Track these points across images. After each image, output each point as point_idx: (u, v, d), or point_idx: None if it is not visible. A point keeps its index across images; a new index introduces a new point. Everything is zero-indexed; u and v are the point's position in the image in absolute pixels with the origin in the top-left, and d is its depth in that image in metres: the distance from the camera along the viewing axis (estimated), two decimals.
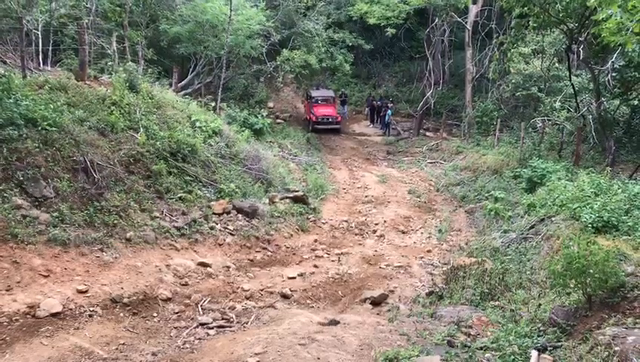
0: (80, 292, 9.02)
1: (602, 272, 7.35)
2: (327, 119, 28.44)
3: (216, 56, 22.15)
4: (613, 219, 10.58)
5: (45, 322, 8.11)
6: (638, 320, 6.64)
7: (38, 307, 8.33)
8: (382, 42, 35.53)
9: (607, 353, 6.03)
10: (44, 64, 16.20)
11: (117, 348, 7.79)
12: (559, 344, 7.22)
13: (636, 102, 18.79)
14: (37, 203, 10.13)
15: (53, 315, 8.29)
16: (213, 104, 20.22)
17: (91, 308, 8.73)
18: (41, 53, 16.44)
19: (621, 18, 8.98)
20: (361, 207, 17.68)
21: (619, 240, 9.77)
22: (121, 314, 8.87)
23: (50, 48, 17.12)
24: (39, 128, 10.89)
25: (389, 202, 18.18)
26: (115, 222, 10.94)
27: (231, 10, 20.45)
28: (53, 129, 11.05)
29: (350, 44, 28.98)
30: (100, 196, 11.11)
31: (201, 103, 18.37)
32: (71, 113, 11.96)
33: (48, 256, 9.49)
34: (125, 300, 9.17)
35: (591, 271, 7.34)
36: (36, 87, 12.41)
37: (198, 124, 15.15)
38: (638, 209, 10.94)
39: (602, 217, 10.65)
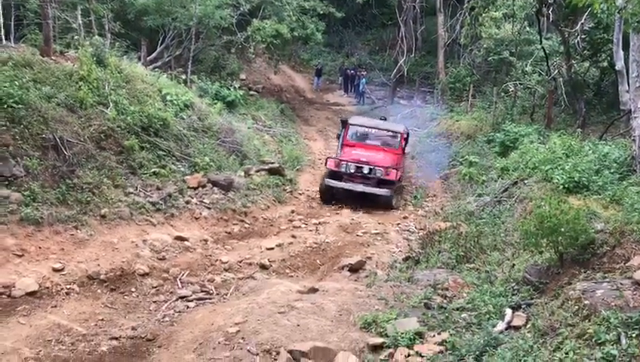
0: (56, 270, 8.91)
1: (573, 230, 7.50)
2: (370, 171, 14.79)
3: (185, 27, 21.69)
4: (583, 179, 10.78)
5: (22, 301, 8.01)
6: (606, 275, 6.83)
7: (14, 287, 8.21)
8: (353, 10, 35.26)
9: (577, 307, 6.20)
10: (6, 40, 15.69)
11: (96, 324, 7.75)
12: (532, 301, 7.40)
13: (605, 64, 19.00)
14: (7, 182, 9.90)
15: (30, 294, 8.18)
16: (183, 77, 19.86)
17: (68, 286, 8.64)
18: (2, 29, 15.91)
19: None
20: None
21: (589, 199, 9.98)
22: (99, 291, 8.81)
23: (12, 24, 16.58)
24: (5, 106, 10.58)
25: None
26: (89, 199, 10.79)
27: None
28: (20, 106, 10.76)
29: (321, 12, 28.56)
30: (72, 173, 10.93)
31: (171, 76, 18.01)
32: (38, 90, 11.64)
33: (22, 235, 9.34)
34: (102, 276, 9.10)
35: (562, 229, 7.48)
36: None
37: (168, 97, 14.90)
38: (607, 169, 11.15)
39: (573, 178, 10.84)
